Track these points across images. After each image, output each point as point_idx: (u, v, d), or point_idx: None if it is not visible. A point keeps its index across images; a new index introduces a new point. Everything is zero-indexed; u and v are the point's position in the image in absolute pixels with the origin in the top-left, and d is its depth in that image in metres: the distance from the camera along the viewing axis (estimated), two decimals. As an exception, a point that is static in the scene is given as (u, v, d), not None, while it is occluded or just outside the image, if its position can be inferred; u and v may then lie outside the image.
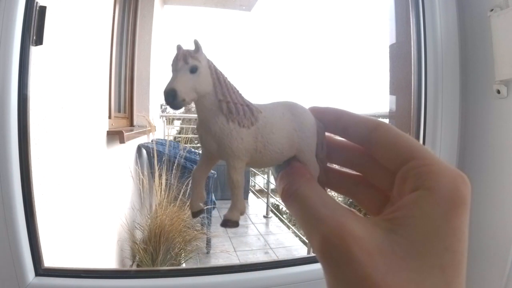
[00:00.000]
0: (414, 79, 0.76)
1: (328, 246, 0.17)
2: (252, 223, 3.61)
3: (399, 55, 0.90)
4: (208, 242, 2.67)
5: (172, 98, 0.19)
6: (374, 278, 0.16)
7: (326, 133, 0.25)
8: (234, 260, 2.69)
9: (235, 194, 0.22)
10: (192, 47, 0.21)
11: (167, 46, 3.75)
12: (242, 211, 0.22)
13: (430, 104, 0.72)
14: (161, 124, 3.76)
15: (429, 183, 0.18)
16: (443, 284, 0.16)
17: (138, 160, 2.50)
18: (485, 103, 0.67)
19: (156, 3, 3.09)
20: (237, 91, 0.22)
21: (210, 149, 0.22)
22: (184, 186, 2.15)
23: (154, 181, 2.22)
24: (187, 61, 0.20)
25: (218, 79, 0.22)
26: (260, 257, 2.82)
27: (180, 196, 2.16)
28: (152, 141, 2.72)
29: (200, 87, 0.21)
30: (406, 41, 0.82)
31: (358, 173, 0.25)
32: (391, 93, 0.97)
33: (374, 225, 0.18)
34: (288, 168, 0.23)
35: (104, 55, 1.71)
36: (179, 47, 0.21)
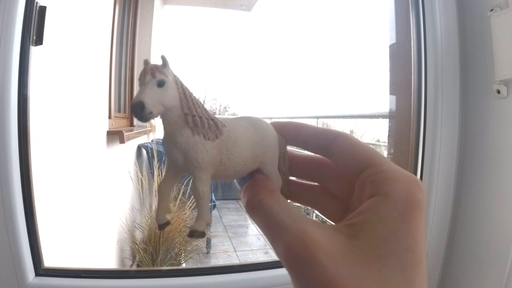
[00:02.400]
0: (414, 79, 0.76)
1: (292, 253, 0.18)
2: (252, 223, 3.60)
3: (399, 55, 0.90)
4: (208, 242, 2.68)
5: (140, 110, 0.20)
6: (338, 281, 0.16)
7: (288, 148, 0.26)
8: (234, 260, 2.69)
9: (201, 205, 0.22)
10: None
11: (167, 46, 3.75)
12: (209, 222, 0.23)
13: (430, 104, 0.72)
14: (160, 124, 3.76)
15: (385, 188, 0.19)
16: (404, 282, 0.17)
17: (138, 160, 2.50)
18: (485, 103, 0.67)
19: (156, 3, 3.09)
20: (202, 105, 0.23)
21: (176, 161, 0.22)
22: (183, 186, 2.15)
23: (154, 181, 2.22)
24: (155, 75, 0.21)
25: (184, 93, 0.22)
26: (260, 257, 2.81)
27: (180, 196, 2.16)
28: (152, 141, 2.72)
29: (167, 100, 0.21)
30: (406, 41, 0.82)
31: (318, 184, 0.26)
32: (391, 93, 0.97)
33: (335, 231, 0.19)
34: (251, 180, 0.24)
35: (104, 55, 1.71)
36: (146, 62, 0.22)
